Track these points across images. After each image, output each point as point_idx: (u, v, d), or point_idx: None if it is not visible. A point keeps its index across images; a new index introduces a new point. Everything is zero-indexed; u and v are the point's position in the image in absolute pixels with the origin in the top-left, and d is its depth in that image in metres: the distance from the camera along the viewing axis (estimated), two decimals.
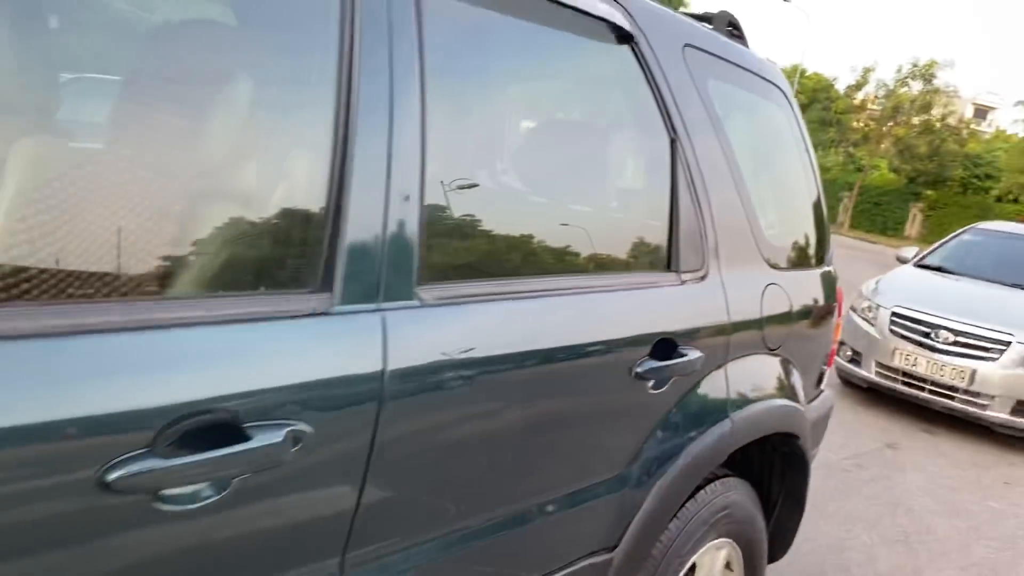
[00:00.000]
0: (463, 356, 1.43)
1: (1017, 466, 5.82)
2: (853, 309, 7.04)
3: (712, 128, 2.15)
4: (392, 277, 1.32)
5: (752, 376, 2.25)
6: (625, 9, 1.90)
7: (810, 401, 2.73)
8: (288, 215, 1.30)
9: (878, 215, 37.89)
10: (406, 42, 1.37)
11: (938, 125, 35.22)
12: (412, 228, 1.36)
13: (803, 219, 2.81)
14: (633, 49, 1.94)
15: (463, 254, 1.59)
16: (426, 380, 1.36)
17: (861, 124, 38.31)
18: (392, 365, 1.29)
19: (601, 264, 1.92)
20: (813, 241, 2.80)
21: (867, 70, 36.96)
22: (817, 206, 2.84)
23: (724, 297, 2.12)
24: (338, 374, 1.22)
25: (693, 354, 1.96)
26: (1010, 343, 6.01)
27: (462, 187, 1.64)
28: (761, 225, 2.35)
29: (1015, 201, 32.53)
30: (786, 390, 2.41)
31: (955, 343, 6.20)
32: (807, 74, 44.92)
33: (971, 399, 6.11)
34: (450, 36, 1.54)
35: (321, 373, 1.20)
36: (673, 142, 2.02)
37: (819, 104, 40.97)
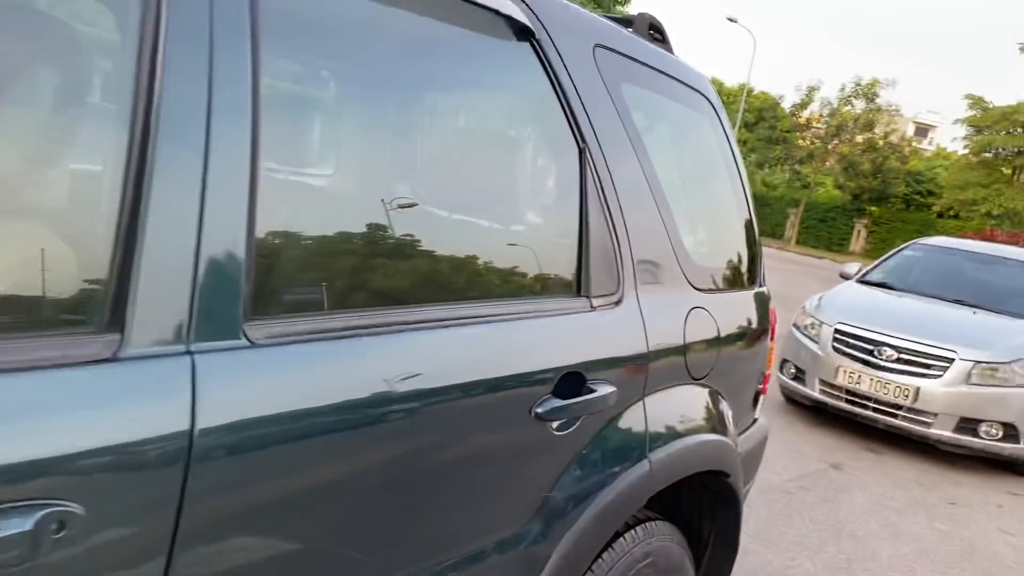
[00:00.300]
0: (308, 406, 1.18)
1: (962, 485, 5.73)
2: (796, 326, 6.94)
3: (627, 137, 1.94)
4: (208, 311, 1.07)
5: (674, 410, 2.04)
6: (523, 1, 1.69)
7: (742, 432, 2.53)
8: (63, 232, 1.05)
9: (824, 231, 38.63)
10: (233, 31, 1.13)
11: (881, 143, 36.01)
12: (238, 247, 1.11)
13: (732, 237, 2.62)
14: (533, 46, 1.72)
15: (314, 280, 1.34)
16: (255, 438, 1.11)
17: (807, 142, 38.98)
18: (205, 422, 1.04)
19: (496, 290, 1.69)
20: (744, 260, 2.61)
21: (811, 89, 37.67)
22: (748, 223, 2.65)
23: (642, 324, 1.90)
24: (124, 437, 0.97)
25: (605, 389, 1.74)
26: (953, 360, 5.94)
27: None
28: (685, 244, 2.15)
29: (956, 217, 33.22)
30: (714, 423, 2.20)
31: (898, 360, 6.12)
32: (754, 93, 45.49)
33: (915, 417, 6.02)
34: (294, 24, 1.30)
35: (98, 437, 0.94)
36: (582, 152, 1.80)
37: (766, 123, 41.51)
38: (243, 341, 1.12)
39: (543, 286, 1.79)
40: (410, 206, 1.54)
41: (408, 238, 1.49)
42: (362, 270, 1.43)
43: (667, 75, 2.23)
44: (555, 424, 1.64)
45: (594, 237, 1.80)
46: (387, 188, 1.51)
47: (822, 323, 6.63)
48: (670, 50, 2.38)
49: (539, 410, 1.58)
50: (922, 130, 69.19)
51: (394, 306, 1.42)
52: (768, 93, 45.61)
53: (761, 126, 41.77)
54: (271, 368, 1.16)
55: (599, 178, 1.82)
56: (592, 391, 1.71)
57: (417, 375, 1.36)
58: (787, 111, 40.75)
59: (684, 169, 2.44)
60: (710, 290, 2.27)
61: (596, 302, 1.80)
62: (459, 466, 1.47)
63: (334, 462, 1.24)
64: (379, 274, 1.45)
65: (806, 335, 6.74)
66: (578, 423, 1.69)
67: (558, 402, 1.62)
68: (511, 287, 1.73)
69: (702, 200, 2.54)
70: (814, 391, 6.54)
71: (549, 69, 1.75)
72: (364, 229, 1.42)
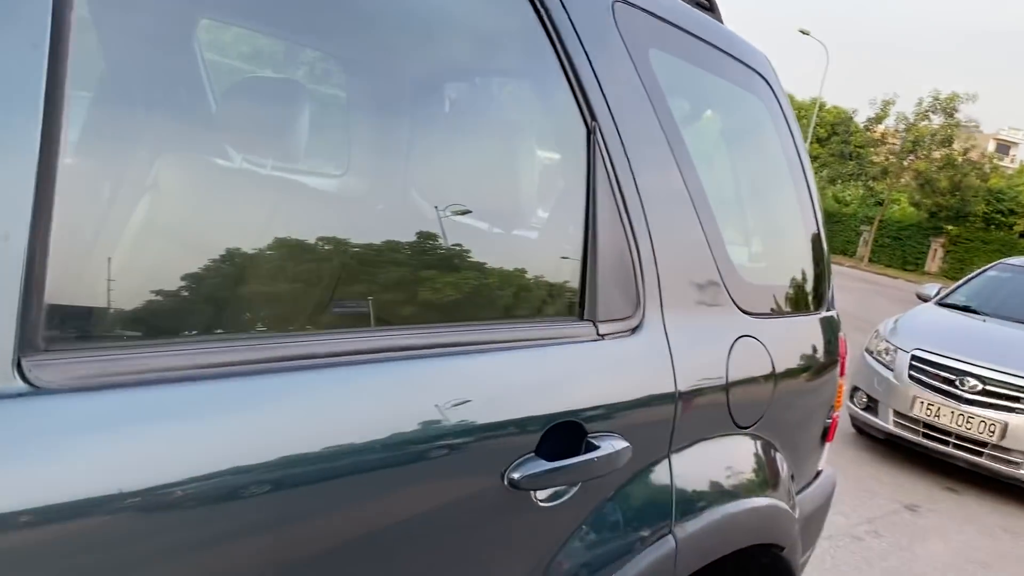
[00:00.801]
0: (138, 486, 0.79)
1: None
2: (868, 351, 6.41)
3: (654, 116, 1.51)
4: None
5: (712, 469, 1.60)
6: None
7: (802, 489, 2.06)
8: None
9: (898, 250, 37.46)
10: None
11: (960, 159, 34.69)
12: (13, 249, 0.73)
13: (794, 250, 2.16)
14: None
15: (160, 299, 0.94)
16: (24, 536, 0.72)
17: (881, 158, 37.79)
18: None
19: (458, 311, 1.27)
20: (809, 279, 2.15)
21: (887, 103, 36.50)
22: (814, 233, 2.18)
23: (668, 357, 1.47)
24: None
25: (613, 445, 1.31)
26: None
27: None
28: (731, 257, 1.71)
29: None
30: (764, 483, 1.75)
31: (983, 392, 5.55)
32: (826, 107, 44.36)
33: (1002, 455, 5.45)
34: None
35: None
36: (591, 133, 1.38)
37: (838, 137, 40.35)
38: (18, 384, 0.73)
39: (531, 306, 1.37)
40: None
41: (318, 237, 1.08)
42: (246, 283, 1.02)
43: (712, 46, 1.79)
44: (539, 494, 1.21)
45: (605, 243, 1.38)
46: (311, 178, 1.10)
47: (897, 348, 6.09)
48: (719, 19, 1.94)
49: (514, 475, 1.16)
50: (1004, 147, 66.80)
51: (296, 334, 1.02)
52: (841, 107, 44.41)
53: (833, 141, 40.57)
54: (70, 425, 0.77)
55: (613, 167, 1.40)
56: (594, 448, 1.28)
57: (323, 431, 0.95)
58: (860, 126, 39.57)
59: (733, 163, 2.01)
60: (764, 314, 1.82)
61: (605, 328, 1.38)
62: (390, 559, 1.05)
63: (172, 566, 0.84)
64: (274, 289, 1.05)
65: (879, 361, 6.20)
66: (573, 491, 1.26)
67: (542, 464, 1.19)
68: (480, 307, 1.31)
69: (756, 203, 2.09)
70: (887, 423, 6.00)
71: (549, 25, 1.34)
72: (243, 226, 1.02)
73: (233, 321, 1.00)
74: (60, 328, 0.79)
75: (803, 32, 37.09)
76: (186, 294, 0.95)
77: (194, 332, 0.95)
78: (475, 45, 1.42)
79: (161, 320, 0.92)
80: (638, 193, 1.44)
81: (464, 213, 1.27)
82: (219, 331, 0.97)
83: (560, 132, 1.43)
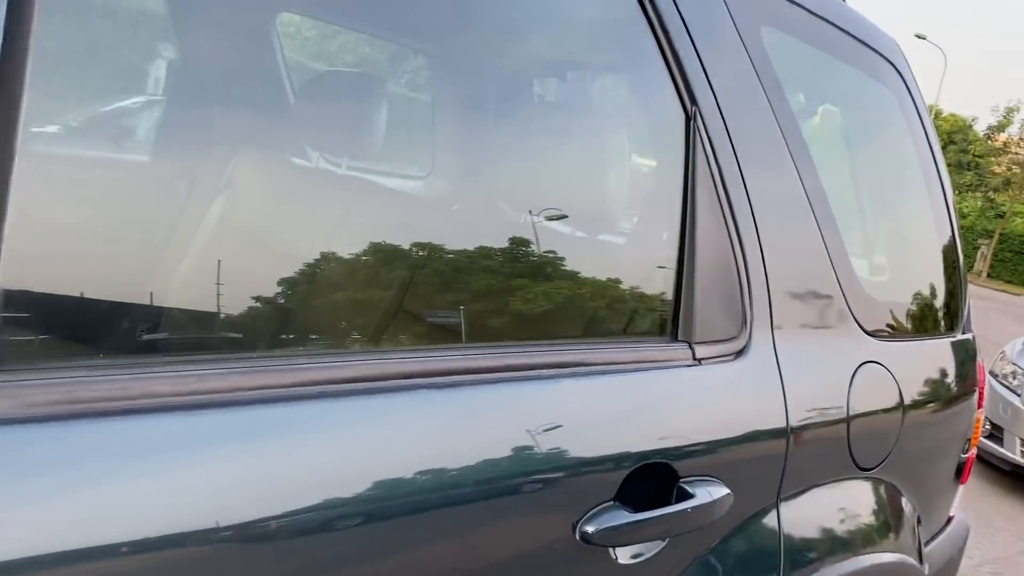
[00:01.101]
0: (104, 540, 0.63)
1: None
2: (993, 374, 5.92)
3: (767, 103, 1.29)
4: None
5: (828, 519, 1.36)
6: None
7: (932, 538, 1.79)
8: None
9: (1020, 265, 35.64)
10: None
11: None
12: None
13: (926, 262, 1.88)
14: None
15: (145, 313, 0.78)
16: None
17: (1003, 168, 36.07)
18: None
19: (532, 329, 1.08)
20: (940, 295, 1.87)
21: (1010, 110, 34.93)
22: (948, 244, 1.90)
23: (779, 386, 1.25)
24: None
25: (710, 492, 1.10)
26: None
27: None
28: (854, 270, 1.47)
29: None
30: (889, 534, 1.50)
31: None
32: (943, 115, 42.53)
33: None
34: None
35: None
36: (691, 119, 1.18)
37: (956, 147, 38.64)
38: None
39: (615, 324, 1.17)
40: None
41: (355, 245, 0.92)
42: (252, 293, 0.85)
43: (834, 26, 1.56)
44: (619, 551, 1.01)
45: (705, 250, 1.17)
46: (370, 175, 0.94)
47: None
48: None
49: (588, 528, 0.96)
50: None
51: (318, 355, 0.85)
52: (958, 115, 42.44)
53: (950, 150, 38.83)
54: (26, 465, 0.62)
55: (717, 160, 1.19)
56: (687, 495, 1.07)
57: (351, 470, 0.78)
58: (980, 134, 37.82)
59: (858, 161, 1.76)
60: (890, 336, 1.57)
61: (703, 351, 1.16)
62: None
63: None
64: (289, 305, 0.88)
65: (1006, 385, 5.74)
66: (660, 547, 1.06)
67: (623, 515, 0.99)
68: (557, 325, 1.11)
69: (883, 207, 1.83)
70: (1014, 453, 5.55)
71: None
72: (253, 227, 0.86)
73: (236, 338, 0.84)
74: (14, 344, 0.64)
75: (919, 36, 35.70)
76: (184, 304, 0.79)
77: (189, 351, 0.79)
78: (562, 22, 1.23)
79: (148, 335, 0.77)
80: (746, 191, 1.23)
81: (559, 218, 1.12)
82: (220, 350, 0.81)
83: (654, 119, 1.24)
